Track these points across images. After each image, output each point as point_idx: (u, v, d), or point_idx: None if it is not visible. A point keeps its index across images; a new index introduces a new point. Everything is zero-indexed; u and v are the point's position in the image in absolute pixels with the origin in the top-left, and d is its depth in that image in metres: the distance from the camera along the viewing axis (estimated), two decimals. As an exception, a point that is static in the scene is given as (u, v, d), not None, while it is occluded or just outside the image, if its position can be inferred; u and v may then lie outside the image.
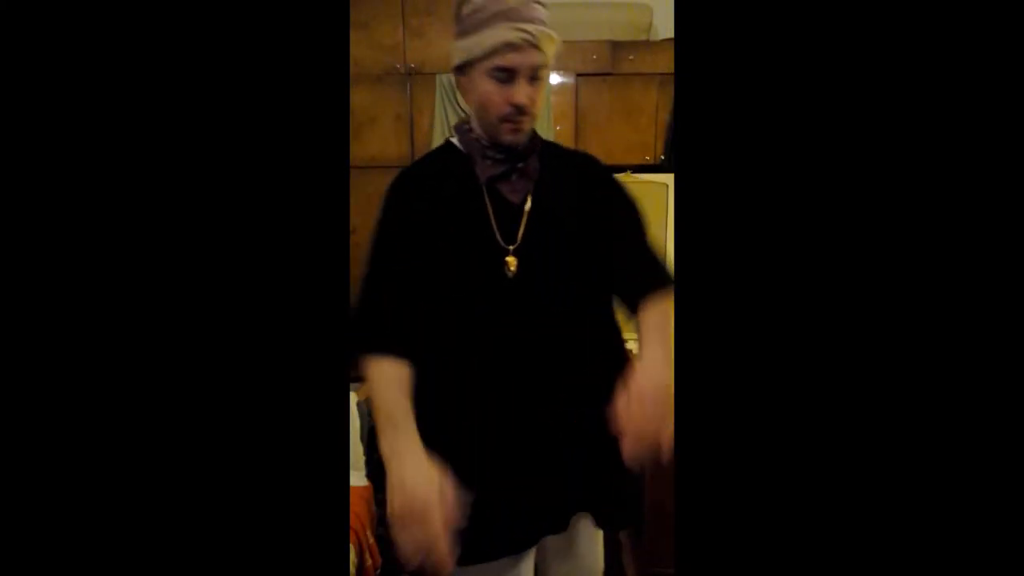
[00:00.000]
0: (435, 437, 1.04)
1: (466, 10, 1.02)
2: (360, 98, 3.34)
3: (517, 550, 1.13)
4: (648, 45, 3.24)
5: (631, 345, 2.26)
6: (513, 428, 1.10)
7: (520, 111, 1.06)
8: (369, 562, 1.93)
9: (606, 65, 3.16)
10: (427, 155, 1.21)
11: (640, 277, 1.18)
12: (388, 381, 1.04)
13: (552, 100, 3.17)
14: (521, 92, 1.04)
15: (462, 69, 1.08)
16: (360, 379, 1.08)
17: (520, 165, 1.13)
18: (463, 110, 3.29)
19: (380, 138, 3.40)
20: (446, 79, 3.30)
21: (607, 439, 1.04)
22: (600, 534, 1.33)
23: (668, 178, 2.70)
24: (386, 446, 1.01)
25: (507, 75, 1.03)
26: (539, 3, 1.05)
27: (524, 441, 1.11)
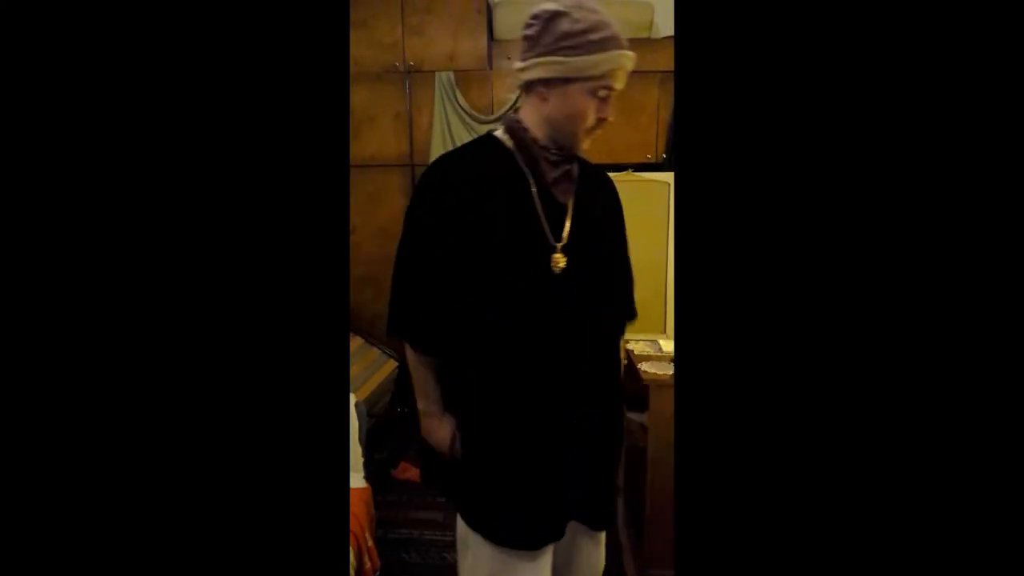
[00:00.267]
0: (476, 416, 1.23)
1: (569, 28, 1.08)
2: (359, 97, 3.34)
3: (541, 544, 1.26)
4: (649, 43, 3.24)
5: (631, 345, 2.27)
6: (546, 415, 1.21)
7: (600, 124, 1.16)
8: (368, 564, 1.92)
9: (607, 63, 3.15)
10: (468, 145, 1.27)
11: (619, 307, 1.36)
12: (419, 362, 1.29)
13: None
14: (610, 109, 1.15)
15: (551, 82, 1.12)
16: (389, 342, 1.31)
17: (568, 168, 1.21)
18: (463, 108, 3.30)
19: (379, 137, 3.40)
20: (445, 77, 3.30)
21: (608, 434, 1.30)
22: (603, 534, 1.41)
23: (669, 176, 2.70)
24: (420, 406, 1.32)
25: (607, 93, 1.13)
26: None
27: (553, 429, 1.22)
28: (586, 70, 1.09)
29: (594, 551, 1.40)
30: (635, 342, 2.34)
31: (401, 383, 3.28)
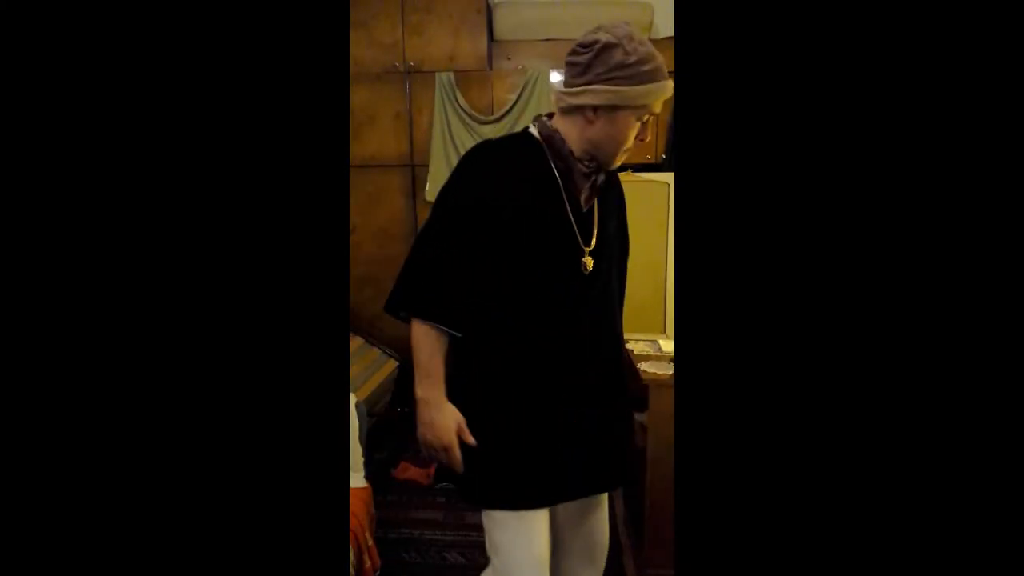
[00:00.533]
0: (494, 398, 1.28)
1: (622, 60, 1.17)
2: (359, 97, 3.34)
3: (538, 505, 1.32)
4: (648, 44, 3.24)
5: (631, 345, 2.27)
6: (559, 400, 1.30)
7: (638, 144, 1.27)
8: (368, 564, 1.92)
9: (607, 64, 3.15)
10: (507, 144, 1.32)
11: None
12: (429, 341, 1.27)
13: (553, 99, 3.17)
14: (651, 130, 1.27)
15: (599, 108, 1.21)
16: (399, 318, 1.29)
17: (596, 178, 1.31)
18: (463, 109, 3.30)
19: (379, 137, 3.40)
20: (445, 77, 3.30)
21: (613, 423, 1.38)
22: (606, 504, 1.50)
23: (669, 176, 2.70)
24: (421, 392, 1.28)
25: (649, 118, 1.23)
26: None
27: (562, 411, 1.30)
28: (637, 99, 1.18)
29: (598, 511, 1.48)
30: (635, 342, 2.34)
31: (401, 383, 3.28)
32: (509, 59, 3.36)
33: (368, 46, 3.32)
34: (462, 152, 3.37)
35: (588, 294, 1.30)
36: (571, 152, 1.26)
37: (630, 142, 1.25)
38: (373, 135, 3.39)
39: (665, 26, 3.35)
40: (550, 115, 1.31)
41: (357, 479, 2.04)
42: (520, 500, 1.29)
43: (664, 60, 1.19)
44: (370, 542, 1.97)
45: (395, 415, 3.27)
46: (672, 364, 2.06)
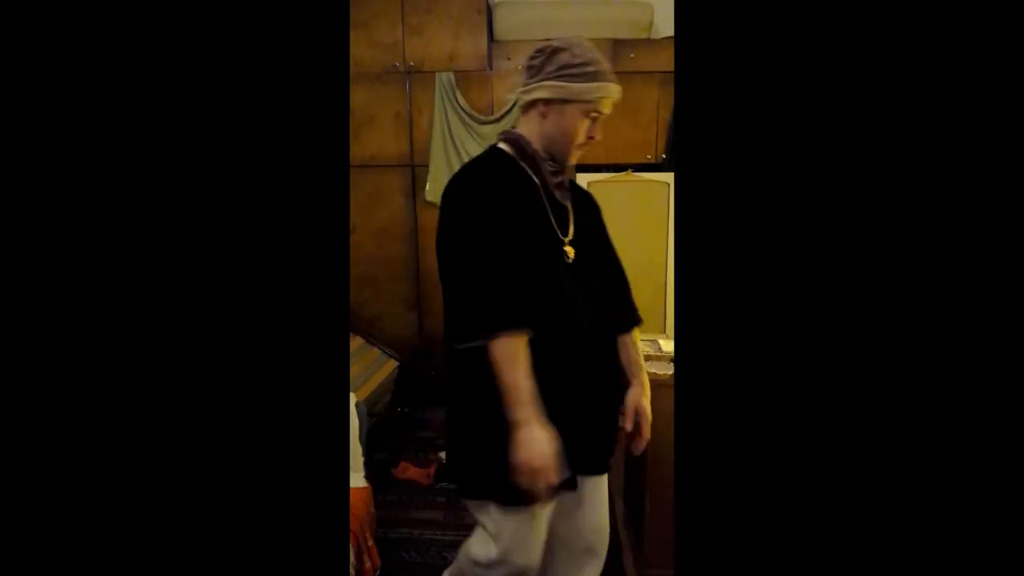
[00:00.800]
0: (493, 391, 1.27)
1: (569, 60, 1.32)
2: (359, 97, 3.34)
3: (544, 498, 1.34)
4: (649, 43, 3.24)
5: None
6: (564, 388, 1.33)
7: (589, 143, 1.39)
8: (368, 564, 1.93)
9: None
10: (481, 158, 1.45)
11: (623, 313, 1.54)
12: (516, 360, 1.27)
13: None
14: (600, 129, 1.38)
15: (551, 102, 1.35)
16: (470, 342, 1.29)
17: (562, 178, 1.43)
18: (463, 109, 3.30)
19: (379, 137, 3.40)
20: (445, 77, 3.30)
21: (611, 405, 1.47)
22: (605, 487, 1.56)
23: (669, 176, 2.70)
24: (518, 415, 1.26)
25: (597, 116, 1.36)
26: None
27: (566, 400, 1.33)
28: (582, 95, 1.32)
29: (598, 493, 1.53)
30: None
31: (401, 383, 3.28)
32: (509, 59, 3.36)
33: (368, 46, 3.32)
34: (462, 152, 3.38)
35: (575, 284, 1.37)
36: (535, 151, 1.39)
37: (580, 137, 1.36)
38: (373, 135, 3.39)
39: (665, 26, 3.35)
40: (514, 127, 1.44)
41: (357, 479, 2.04)
42: (524, 496, 1.30)
43: (609, 67, 1.34)
44: (370, 542, 1.97)
45: (395, 415, 3.27)
46: (672, 364, 2.06)
